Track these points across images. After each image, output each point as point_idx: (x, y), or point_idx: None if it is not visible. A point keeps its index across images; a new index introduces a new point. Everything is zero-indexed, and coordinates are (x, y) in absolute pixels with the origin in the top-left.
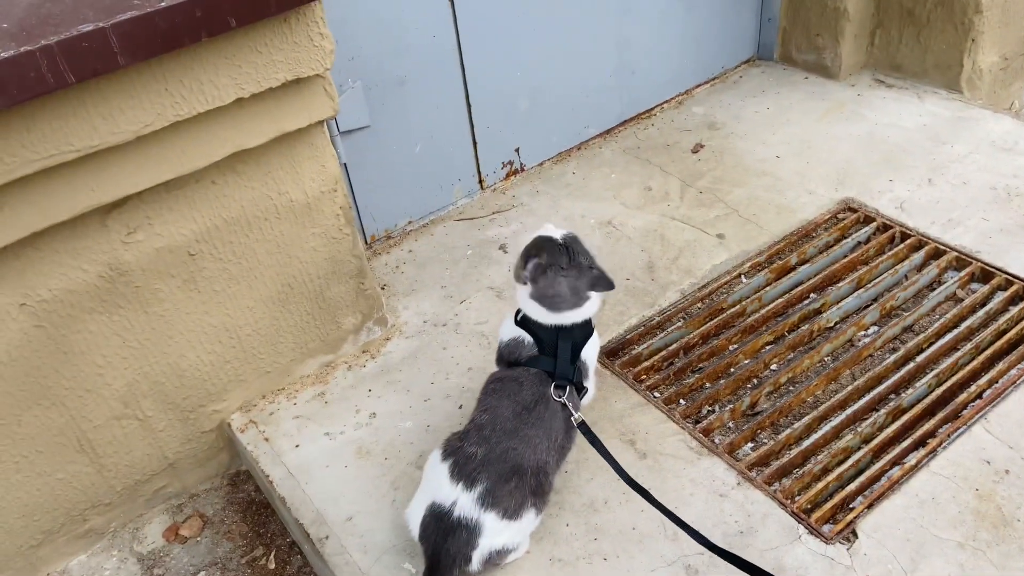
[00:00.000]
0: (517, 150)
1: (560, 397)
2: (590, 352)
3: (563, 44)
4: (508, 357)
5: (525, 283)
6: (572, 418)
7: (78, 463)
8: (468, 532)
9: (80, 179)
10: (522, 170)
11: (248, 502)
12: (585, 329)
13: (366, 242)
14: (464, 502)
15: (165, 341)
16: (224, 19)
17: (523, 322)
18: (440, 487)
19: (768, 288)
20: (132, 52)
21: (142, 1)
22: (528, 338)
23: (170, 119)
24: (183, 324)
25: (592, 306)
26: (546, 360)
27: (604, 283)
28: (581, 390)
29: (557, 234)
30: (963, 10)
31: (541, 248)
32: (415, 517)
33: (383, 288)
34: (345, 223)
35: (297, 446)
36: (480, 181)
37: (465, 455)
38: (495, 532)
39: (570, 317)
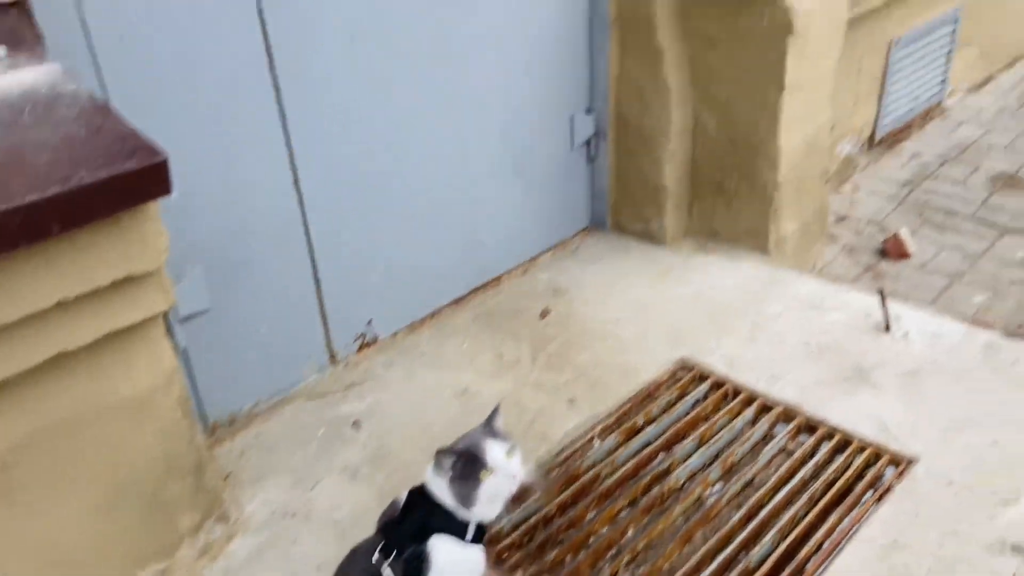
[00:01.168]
0: (370, 322)
1: (382, 562)
2: (441, 560)
3: (412, 221)
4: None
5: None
6: None
7: None
8: None
9: None
10: (375, 342)
11: None
12: (435, 507)
13: (208, 430)
14: None
15: None
16: (46, 226)
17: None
18: None
19: (620, 450)
20: None
21: None
22: (402, 497)
23: None
24: None
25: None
26: (393, 526)
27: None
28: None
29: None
30: (764, 186)
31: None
32: None
33: (226, 478)
34: (182, 416)
35: None
36: (332, 356)
37: None
38: None
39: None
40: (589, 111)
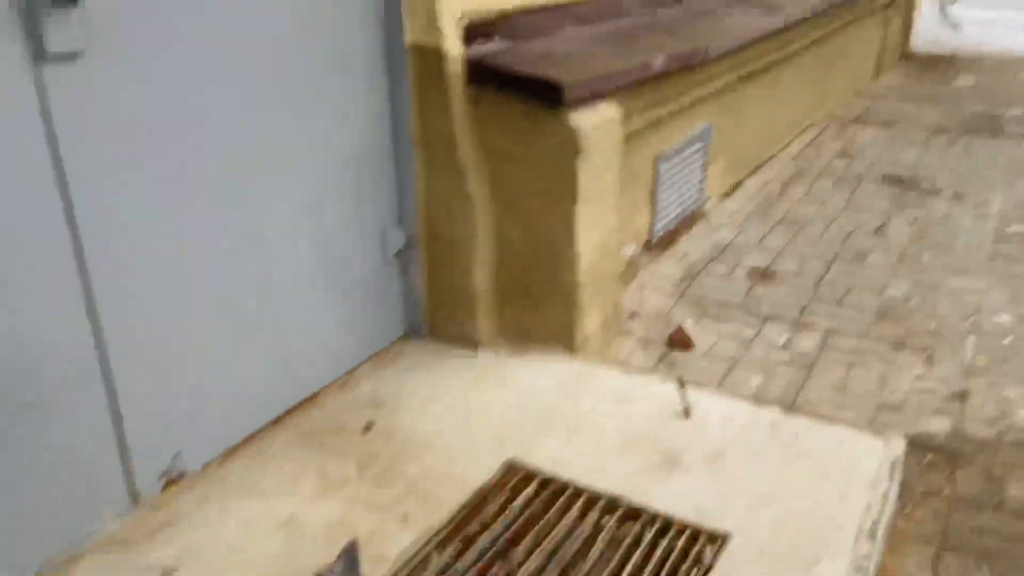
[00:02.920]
0: (178, 454)
1: None
2: None
3: (221, 337)
4: None
5: None
6: None
7: None
8: None
9: None
10: (184, 475)
11: None
12: None
13: None
14: None
15: None
16: None
17: None
18: None
19: (457, 564)
20: None
21: None
22: None
23: None
24: None
25: None
26: None
27: None
28: None
29: None
30: (566, 287)
31: None
32: None
33: None
34: None
35: None
36: (134, 497)
37: None
38: None
39: None
40: (400, 223)
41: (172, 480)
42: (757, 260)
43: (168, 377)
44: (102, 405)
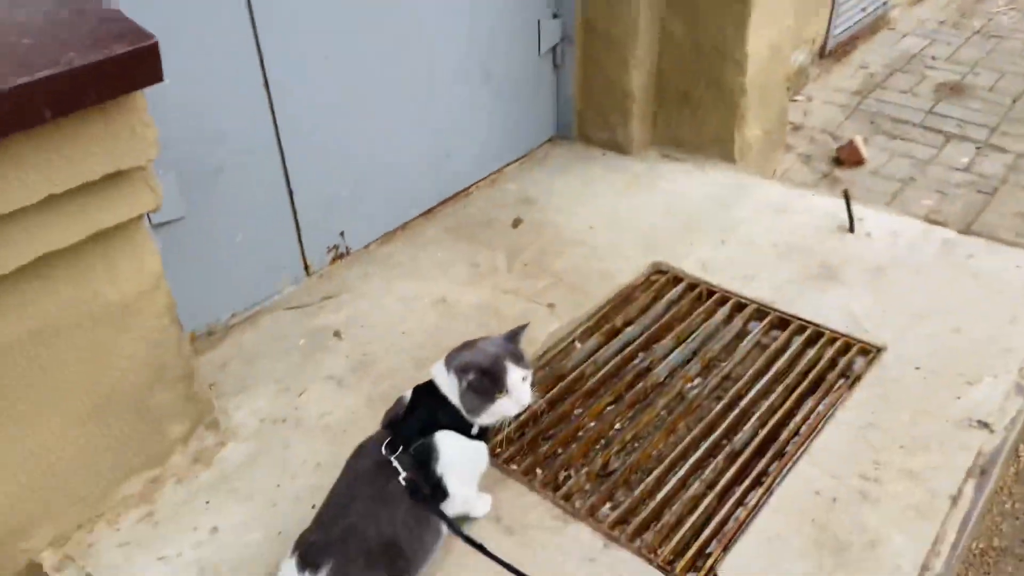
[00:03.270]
0: (342, 234)
1: (390, 455)
2: (450, 453)
3: (381, 130)
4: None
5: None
6: (400, 478)
7: None
8: None
9: None
10: (348, 253)
11: None
12: (443, 404)
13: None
14: None
15: None
16: (38, 111)
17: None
18: None
19: (601, 351)
20: None
21: None
22: (406, 396)
23: None
24: None
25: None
26: (399, 422)
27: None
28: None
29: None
30: (730, 92)
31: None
32: None
33: (211, 387)
34: (169, 323)
35: None
36: (306, 267)
37: (308, 544)
38: None
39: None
40: (556, 16)
41: (338, 256)
42: (946, 74)
43: (333, 159)
44: (278, 178)
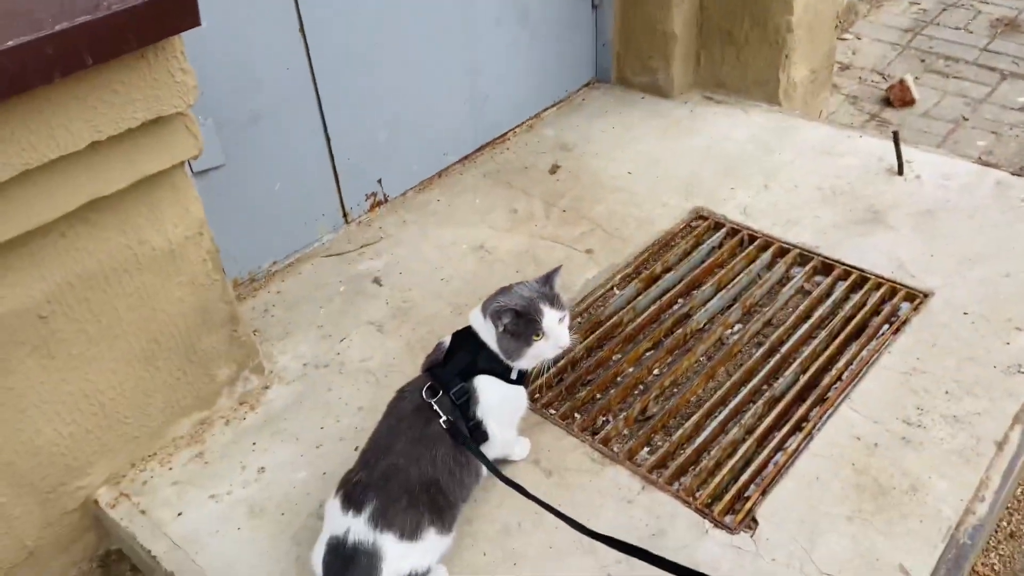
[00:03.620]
0: (380, 181)
1: (431, 399)
2: (489, 397)
3: (417, 74)
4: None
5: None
6: (441, 421)
7: None
8: (368, 557)
9: None
10: (386, 201)
11: None
12: (481, 349)
13: None
14: (356, 527)
15: (16, 417)
16: (79, 57)
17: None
18: (334, 520)
19: (640, 298)
20: None
21: None
22: (445, 341)
23: (18, 168)
24: (36, 396)
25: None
26: (439, 367)
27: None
28: (471, 419)
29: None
30: (776, 30)
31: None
32: (317, 559)
33: (255, 333)
34: (213, 268)
35: (180, 514)
36: (344, 215)
37: (352, 483)
38: (398, 556)
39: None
40: None
41: (376, 203)
42: (1002, 9)
43: (369, 104)
44: (315, 124)
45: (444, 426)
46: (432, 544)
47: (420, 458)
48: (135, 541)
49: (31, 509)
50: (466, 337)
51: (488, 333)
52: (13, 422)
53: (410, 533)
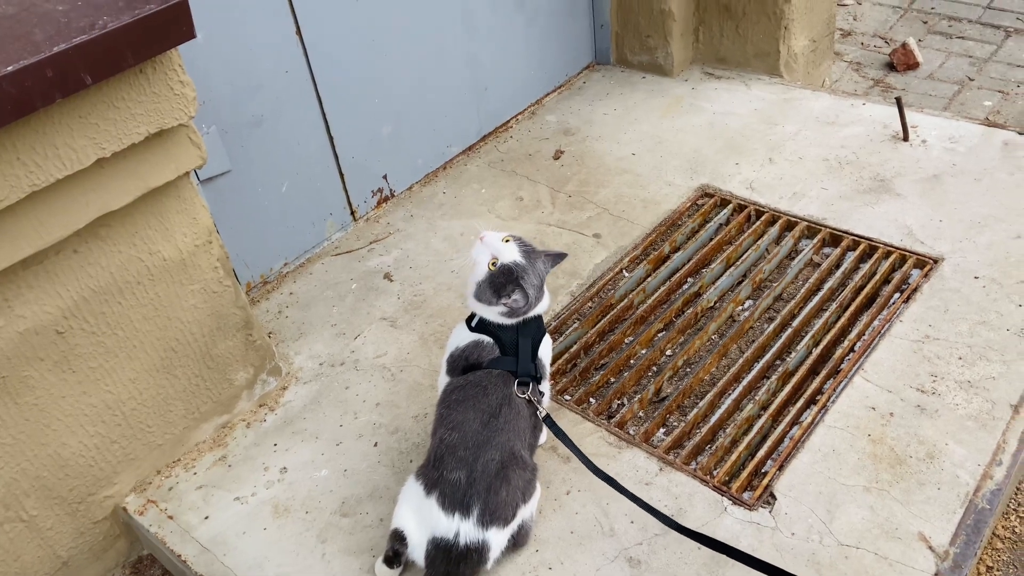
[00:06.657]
0: (385, 176)
1: (524, 394)
2: (545, 351)
3: (416, 67)
4: (466, 362)
5: (492, 305)
6: (539, 413)
7: None
8: (479, 553)
9: None
10: (392, 196)
11: None
12: (539, 325)
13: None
14: (467, 530)
15: (42, 431)
16: (79, 77)
17: (480, 325)
18: (437, 522)
19: (649, 279)
20: None
21: None
22: (488, 339)
23: (25, 190)
24: (60, 409)
25: (545, 302)
26: (508, 360)
27: (556, 258)
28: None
29: (509, 254)
30: (773, 2)
31: (509, 278)
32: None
33: (269, 335)
34: (224, 275)
35: (206, 518)
36: (352, 212)
37: (450, 484)
38: (501, 540)
39: (528, 314)
40: None
41: (383, 199)
42: None
43: (370, 101)
44: (317, 124)
45: (541, 417)
46: (521, 514)
47: (513, 447)
48: (164, 546)
49: (62, 520)
50: (485, 328)
51: (493, 314)
52: (39, 436)
53: (511, 517)
